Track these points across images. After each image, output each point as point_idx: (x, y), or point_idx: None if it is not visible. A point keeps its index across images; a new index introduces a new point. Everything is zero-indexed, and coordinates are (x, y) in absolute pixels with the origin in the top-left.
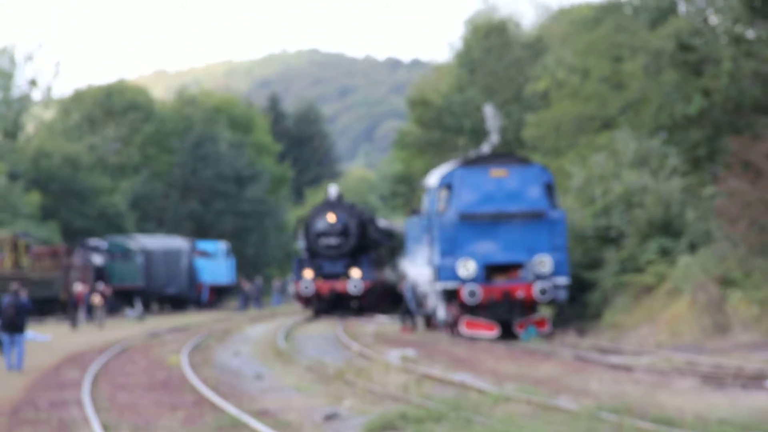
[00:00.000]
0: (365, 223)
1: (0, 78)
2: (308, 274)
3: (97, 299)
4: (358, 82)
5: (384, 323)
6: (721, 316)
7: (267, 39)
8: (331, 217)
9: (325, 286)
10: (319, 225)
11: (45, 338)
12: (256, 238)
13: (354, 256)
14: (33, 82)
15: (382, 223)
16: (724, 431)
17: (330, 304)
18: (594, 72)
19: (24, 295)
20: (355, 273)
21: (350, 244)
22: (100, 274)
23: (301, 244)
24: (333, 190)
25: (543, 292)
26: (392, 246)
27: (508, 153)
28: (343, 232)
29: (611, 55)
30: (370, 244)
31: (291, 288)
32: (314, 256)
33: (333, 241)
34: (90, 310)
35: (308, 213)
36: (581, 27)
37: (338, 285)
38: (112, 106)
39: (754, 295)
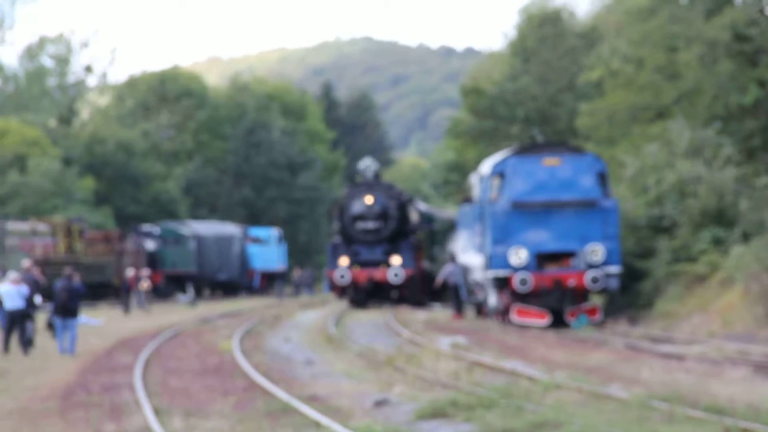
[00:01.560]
0: (405, 205)
1: (56, 64)
2: (344, 261)
3: (145, 284)
4: (411, 71)
5: (435, 311)
6: None
7: (320, 27)
8: (368, 199)
9: (363, 275)
10: (356, 207)
11: (98, 322)
12: (308, 226)
13: (393, 242)
14: (88, 69)
15: (420, 206)
16: None
17: (367, 294)
18: (648, 62)
19: (77, 280)
20: (396, 260)
21: (390, 228)
22: (153, 259)
23: (335, 228)
24: (369, 167)
25: (594, 280)
26: (431, 231)
27: (561, 142)
28: (382, 215)
29: (666, 46)
30: (410, 228)
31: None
32: (350, 241)
33: (371, 225)
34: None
35: (343, 194)
36: (636, 17)
37: (377, 273)
38: (166, 93)
39: None
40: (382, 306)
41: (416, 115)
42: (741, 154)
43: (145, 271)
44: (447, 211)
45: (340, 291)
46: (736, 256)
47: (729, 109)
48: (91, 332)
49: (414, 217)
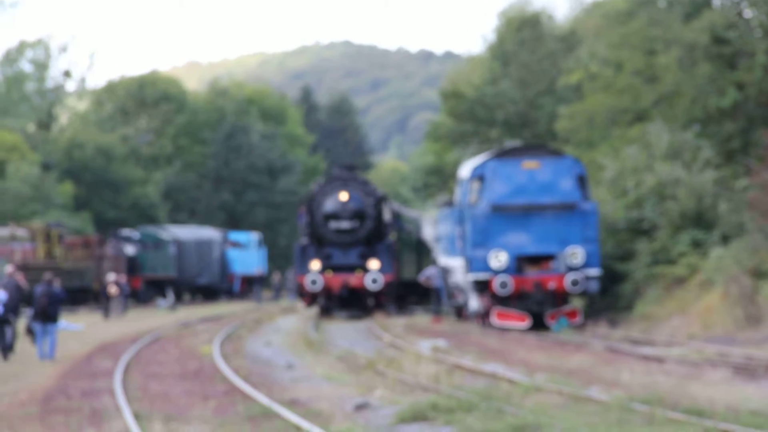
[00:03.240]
0: (381, 203)
1: (35, 69)
2: (315, 265)
3: (113, 290)
4: (390, 75)
5: (415, 315)
6: (753, 307)
7: (300, 31)
8: (343, 196)
9: (337, 281)
10: (329, 205)
11: (78, 327)
12: (288, 230)
13: (370, 244)
14: (67, 74)
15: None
16: (756, 423)
17: (341, 302)
18: (627, 65)
19: (57, 285)
20: (374, 264)
21: (366, 228)
22: (132, 264)
23: (303, 228)
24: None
25: (575, 283)
26: (401, 231)
27: (541, 145)
28: (358, 214)
29: (645, 49)
30: (386, 228)
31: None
32: (321, 243)
33: (345, 225)
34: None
35: (313, 190)
36: (615, 20)
37: (352, 279)
38: (145, 98)
39: None
40: (357, 316)
41: (396, 118)
42: (720, 157)
43: (112, 276)
44: (414, 210)
45: (310, 298)
46: (716, 259)
47: (708, 112)
48: (71, 337)
49: (388, 216)
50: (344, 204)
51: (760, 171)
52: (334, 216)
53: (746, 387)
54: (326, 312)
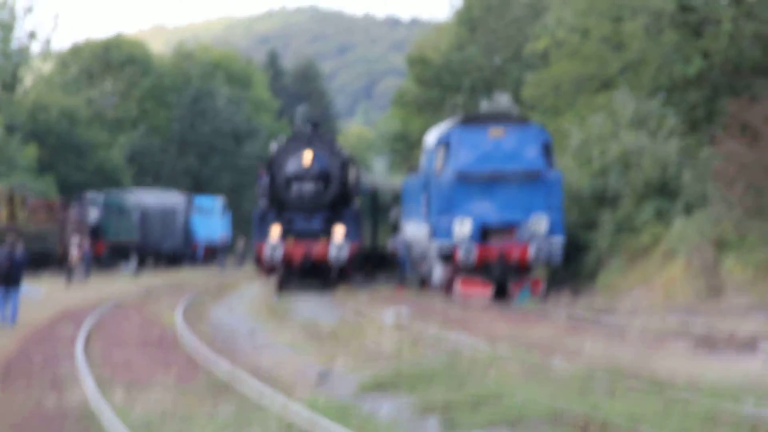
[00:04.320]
0: (348, 165)
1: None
2: (275, 231)
3: (74, 252)
4: (357, 40)
5: (379, 283)
6: (715, 279)
7: None
8: (307, 156)
9: (298, 251)
10: (291, 166)
11: (38, 292)
12: (253, 195)
13: (335, 209)
14: (32, 35)
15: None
16: (716, 395)
17: (302, 274)
18: (594, 32)
19: (20, 249)
20: (339, 232)
21: (332, 192)
22: (95, 229)
23: (262, 191)
24: (304, 118)
25: (538, 252)
26: (363, 196)
27: (507, 112)
28: (323, 176)
29: (611, 16)
30: (352, 192)
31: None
32: (282, 207)
33: (309, 187)
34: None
35: (273, 149)
36: None
37: (316, 248)
38: (110, 60)
39: (749, 258)
40: (319, 290)
41: (362, 84)
42: (685, 126)
43: (75, 240)
44: (369, 175)
45: (269, 269)
46: (679, 229)
47: (673, 80)
48: (32, 303)
49: (353, 178)
50: (308, 165)
51: (725, 140)
52: (297, 177)
53: (707, 359)
54: (284, 284)
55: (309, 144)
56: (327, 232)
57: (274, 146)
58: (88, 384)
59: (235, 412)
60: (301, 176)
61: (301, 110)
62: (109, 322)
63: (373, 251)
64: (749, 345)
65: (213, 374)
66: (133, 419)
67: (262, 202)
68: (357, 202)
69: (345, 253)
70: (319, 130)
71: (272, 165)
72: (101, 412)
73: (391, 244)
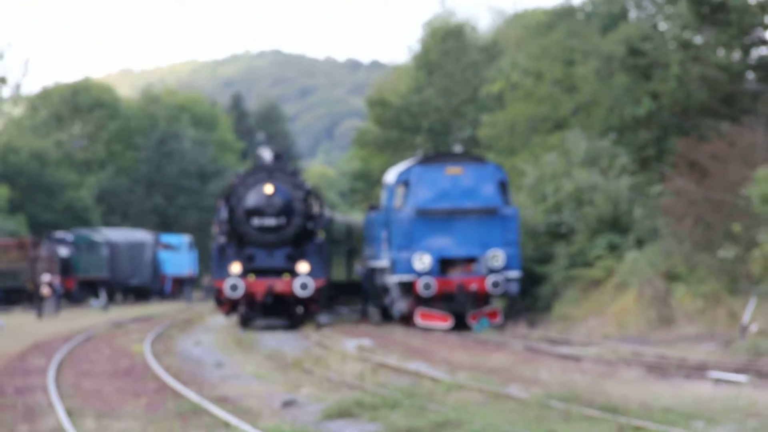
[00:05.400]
0: (310, 197)
1: None
2: (235, 268)
3: (45, 290)
4: (318, 83)
5: (341, 314)
6: (666, 309)
7: (230, 39)
8: (268, 189)
9: (261, 286)
10: (251, 199)
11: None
12: None
13: (298, 244)
14: (2, 80)
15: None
16: (668, 419)
17: (264, 310)
18: (547, 75)
19: None
20: (303, 268)
21: (294, 226)
22: (66, 265)
23: (219, 226)
24: (267, 152)
25: (495, 285)
26: (330, 228)
27: (464, 152)
28: (285, 210)
29: (564, 59)
30: (316, 226)
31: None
32: (242, 242)
33: (271, 222)
34: (42, 300)
35: (233, 181)
36: (535, 31)
37: (279, 284)
38: (79, 104)
39: (698, 289)
40: (283, 327)
41: (324, 125)
42: (635, 164)
43: (46, 278)
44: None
45: (230, 306)
46: (631, 262)
47: (624, 121)
48: (4, 336)
49: (317, 210)
50: (269, 198)
51: (673, 178)
52: (258, 212)
53: (658, 385)
54: (246, 322)
55: (270, 177)
56: (290, 269)
57: (234, 178)
58: (59, 413)
59: None
60: (262, 210)
61: (263, 148)
62: (79, 354)
63: (349, 281)
64: (699, 370)
65: (181, 404)
66: None
67: (220, 238)
68: (321, 236)
69: (310, 290)
70: (281, 163)
71: (231, 197)
72: None
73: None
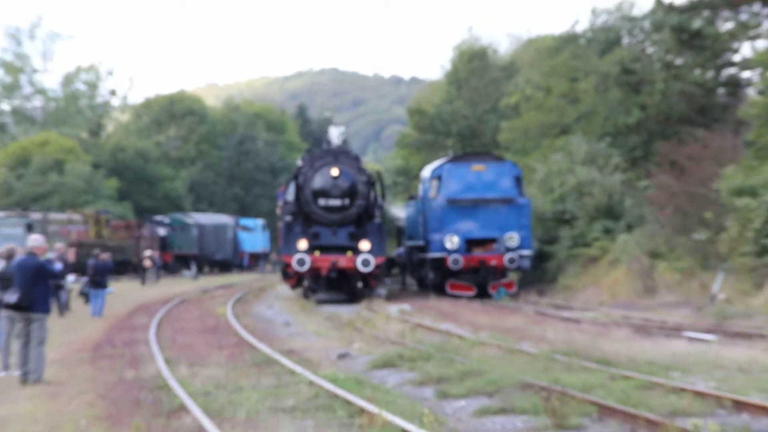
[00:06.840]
0: (374, 181)
1: (88, 88)
2: (302, 245)
3: (147, 263)
4: (368, 95)
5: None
6: (650, 281)
7: (297, 59)
8: (334, 171)
9: (326, 262)
10: (318, 181)
11: (111, 290)
12: None
13: (360, 224)
14: (113, 92)
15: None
16: (650, 370)
17: (328, 284)
18: (555, 89)
19: (106, 258)
20: (365, 246)
21: (357, 207)
22: (164, 243)
23: (286, 206)
24: (335, 132)
25: (511, 261)
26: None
27: (486, 152)
28: (350, 192)
29: (569, 76)
30: (376, 208)
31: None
32: (308, 221)
33: (336, 202)
34: (145, 270)
35: (300, 164)
36: (545, 54)
37: (342, 260)
38: (174, 112)
39: (676, 265)
40: (345, 300)
41: (372, 130)
42: (626, 163)
43: (148, 252)
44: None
45: (296, 279)
46: (622, 243)
47: (617, 127)
48: (115, 299)
49: (377, 194)
50: (335, 180)
51: (657, 174)
52: (324, 193)
53: (643, 342)
54: (310, 294)
55: (336, 160)
56: (353, 246)
57: (301, 161)
58: (159, 361)
59: (274, 384)
60: (328, 191)
61: (333, 128)
62: (174, 314)
63: (387, 258)
64: (676, 331)
65: (256, 355)
66: (194, 388)
67: (287, 217)
68: (380, 217)
69: (371, 266)
70: (347, 147)
71: (299, 178)
72: (170, 383)
73: (394, 253)
